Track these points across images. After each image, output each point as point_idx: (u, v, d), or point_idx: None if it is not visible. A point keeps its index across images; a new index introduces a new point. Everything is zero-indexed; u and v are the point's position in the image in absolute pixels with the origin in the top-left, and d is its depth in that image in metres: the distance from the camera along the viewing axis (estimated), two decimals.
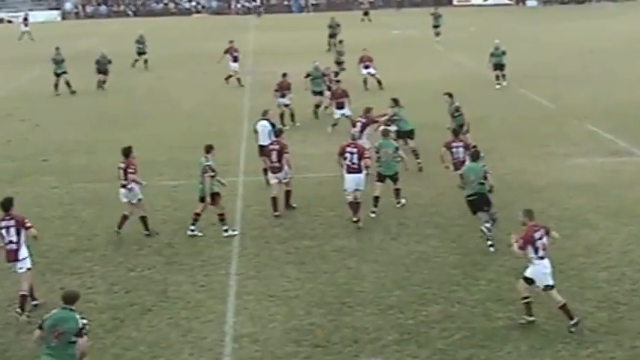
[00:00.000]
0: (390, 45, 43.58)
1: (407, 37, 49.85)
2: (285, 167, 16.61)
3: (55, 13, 78.46)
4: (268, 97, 25.21)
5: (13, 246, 12.26)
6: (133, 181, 15.36)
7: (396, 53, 40.99)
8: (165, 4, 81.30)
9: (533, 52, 40.38)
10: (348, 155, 16.02)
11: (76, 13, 79.31)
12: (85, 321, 9.69)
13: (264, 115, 19.02)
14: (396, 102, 20.36)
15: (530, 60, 37.25)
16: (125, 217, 15.51)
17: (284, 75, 24.91)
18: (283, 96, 24.71)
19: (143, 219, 15.61)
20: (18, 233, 12.28)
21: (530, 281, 11.38)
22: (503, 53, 30.72)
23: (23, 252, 12.33)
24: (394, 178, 16.66)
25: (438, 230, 15.43)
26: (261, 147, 18.18)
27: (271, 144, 17.18)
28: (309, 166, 20.08)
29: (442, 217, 16.10)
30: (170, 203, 17.50)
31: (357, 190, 15.87)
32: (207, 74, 36.30)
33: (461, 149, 16.46)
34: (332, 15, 48.09)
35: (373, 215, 16.13)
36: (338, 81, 26.12)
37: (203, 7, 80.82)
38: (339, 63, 32.48)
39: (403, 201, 16.92)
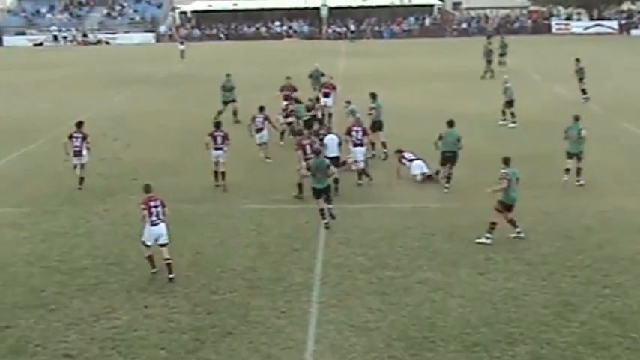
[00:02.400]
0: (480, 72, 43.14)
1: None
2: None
3: (150, 35, 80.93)
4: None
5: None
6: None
7: (490, 81, 40.58)
8: (257, 29, 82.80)
9: (638, 83, 39.28)
10: (354, 133, 20.64)
11: (170, 36, 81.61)
12: None
13: (330, 131, 21.36)
14: (373, 96, 24.59)
15: (634, 91, 36.25)
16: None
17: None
18: (326, 95, 26.88)
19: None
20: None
21: None
22: (508, 89, 29.21)
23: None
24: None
25: (528, 267, 15.10)
26: (330, 159, 19.04)
27: (303, 139, 19.89)
28: (394, 196, 20.03)
29: (532, 254, 15.76)
30: (254, 227, 17.71)
31: (360, 161, 20.54)
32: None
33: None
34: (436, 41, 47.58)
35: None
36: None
37: (294, 31, 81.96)
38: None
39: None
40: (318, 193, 17.66)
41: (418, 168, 21.37)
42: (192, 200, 19.93)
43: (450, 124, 20.49)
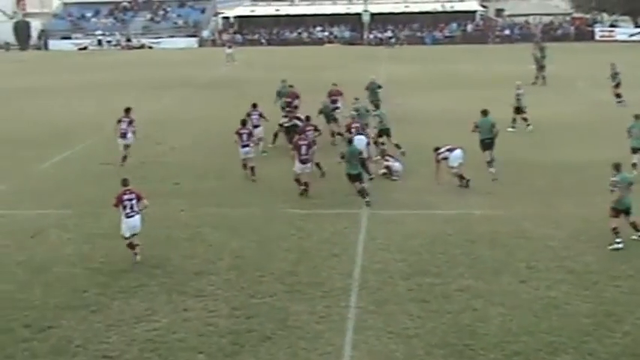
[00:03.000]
0: (529, 79, 42.62)
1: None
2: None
3: (193, 40, 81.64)
4: (398, 128, 25.22)
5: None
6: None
7: (541, 87, 40.23)
8: (299, 34, 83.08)
9: None
10: (353, 130, 22.62)
11: (213, 41, 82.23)
12: None
13: (360, 131, 22.45)
14: (377, 106, 27.72)
15: None
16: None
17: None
18: (334, 102, 27.45)
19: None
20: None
21: None
22: (520, 95, 28.76)
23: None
24: None
25: (571, 276, 14.88)
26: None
27: (300, 139, 21.04)
28: (435, 202, 19.90)
29: (575, 263, 15.53)
30: (295, 232, 17.73)
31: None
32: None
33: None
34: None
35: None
36: None
37: (335, 37, 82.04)
38: None
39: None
40: (353, 178, 19.73)
41: (457, 159, 21.14)
42: (233, 204, 20.03)
43: (485, 112, 22.22)
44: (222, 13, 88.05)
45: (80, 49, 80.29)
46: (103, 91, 43.58)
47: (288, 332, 12.73)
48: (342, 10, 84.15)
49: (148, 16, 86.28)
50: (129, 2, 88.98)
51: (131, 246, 15.91)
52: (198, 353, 12.09)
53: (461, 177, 21.11)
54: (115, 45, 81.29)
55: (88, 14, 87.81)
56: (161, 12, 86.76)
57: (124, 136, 24.33)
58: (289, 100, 28.25)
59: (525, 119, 28.90)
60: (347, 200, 20.05)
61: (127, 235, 15.86)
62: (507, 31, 79.32)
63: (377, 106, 27.61)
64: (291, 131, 24.43)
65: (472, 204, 19.62)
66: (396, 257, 16.01)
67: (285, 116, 26.05)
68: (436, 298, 13.94)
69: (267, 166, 23.76)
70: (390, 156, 23.10)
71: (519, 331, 12.57)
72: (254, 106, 25.76)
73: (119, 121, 24.34)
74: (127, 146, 24.33)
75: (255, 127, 24.76)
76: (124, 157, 24.16)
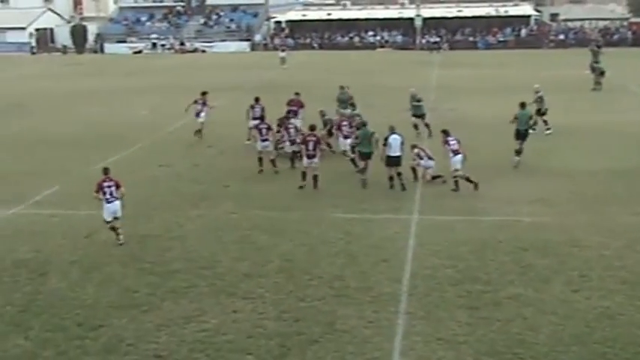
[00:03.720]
0: (583, 84, 41.97)
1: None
2: (318, 155, 21.84)
3: (245, 44, 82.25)
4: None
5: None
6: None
7: (597, 93, 39.63)
8: (351, 38, 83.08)
9: None
10: (344, 128, 24.47)
11: (265, 45, 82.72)
12: None
13: (394, 130, 21.89)
14: (353, 105, 28.75)
15: None
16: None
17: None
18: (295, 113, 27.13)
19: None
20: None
21: None
22: (541, 99, 28.97)
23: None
24: None
25: (625, 286, 14.59)
26: (391, 157, 21.43)
27: (309, 135, 22.01)
28: (486, 208, 19.72)
29: (630, 272, 15.22)
30: (343, 236, 17.73)
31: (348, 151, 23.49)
32: (385, 108, 36.65)
33: None
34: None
35: None
36: None
37: (387, 41, 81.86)
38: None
39: None
40: (363, 156, 22.29)
41: (458, 163, 21.37)
42: (282, 207, 20.11)
43: (523, 105, 24.39)
44: (275, 17, 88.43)
45: (135, 52, 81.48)
46: (158, 94, 44.16)
47: (335, 336, 12.73)
48: (394, 15, 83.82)
49: (201, 20, 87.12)
50: (182, 7, 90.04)
51: (113, 229, 17.31)
52: (247, 355, 12.16)
53: (467, 179, 21.26)
54: (169, 49, 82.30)
55: (143, 18, 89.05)
56: (214, 16, 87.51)
57: (198, 114, 29.10)
58: (295, 108, 27.87)
59: (546, 122, 28.89)
60: (396, 206, 19.99)
61: (109, 219, 17.31)
62: (562, 36, 78.22)
63: (353, 106, 28.83)
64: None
65: (522, 211, 19.38)
66: (445, 263, 15.90)
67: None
68: (486, 306, 13.80)
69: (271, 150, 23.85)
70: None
71: (570, 341, 12.37)
72: (257, 100, 27.49)
73: (195, 102, 29.11)
74: (201, 123, 28.94)
75: (255, 119, 26.24)
76: (199, 131, 28.89)
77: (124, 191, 17.63)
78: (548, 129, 28.67)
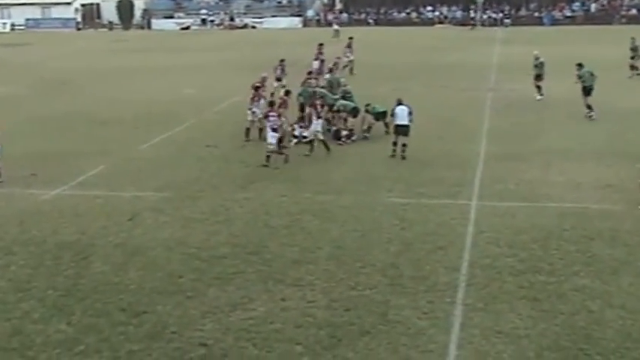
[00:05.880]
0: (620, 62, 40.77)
1: None
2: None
3: (297, 19, 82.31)
4: (509, 116, 24.74)
5: None
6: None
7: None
8: (408, 14, 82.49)
9: None
10: (318, 108, 24.42)
11: (317, 20, 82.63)
12: None
13: (401, 102, 23.69)
14: (331, 69, 31.04)
15: None
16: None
17: None
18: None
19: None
20: None
21: None
22: (542, 64, 32.10)
23: None
24: None
25: None
26: (400, 126, 23.15)
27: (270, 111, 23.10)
28: (550, 194, 19.39)
29: None
30: (398, 222, 17.60)
31: (319, 132, 23.96)
32: (445, 87, 36.34)
33: None
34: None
35: None
36: None
37: (446, 17, 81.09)
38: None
39: None
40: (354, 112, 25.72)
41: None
42: (334, 191, 20.04)
43: (580, 65, 28.74)
44: None
45: (182, 28, 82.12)
46: (205, 72, 44.44)
47: (388, 327, 12.64)
48: None
49: None
50: None
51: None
52: (296, 344, 12.14)
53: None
54: (218, 25, 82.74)
55: None
56: None
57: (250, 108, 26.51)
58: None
59: (539, 87, 31.92)
60: (454, 190, 19.78)
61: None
62: (634, 11, 76.41)
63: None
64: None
65: (589, 197, 19.01)
66: (505, 252, 15.66)
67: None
68: (549, 298, 13.57)
69: (369, 153, 23.73)
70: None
71: None
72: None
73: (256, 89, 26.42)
74: (250, 122, 25.88)
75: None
76: (247, 130, 26.38)
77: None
78: (541, 95, 31.74)
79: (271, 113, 23.04)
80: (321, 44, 38.01)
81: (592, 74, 28.11)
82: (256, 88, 26.22)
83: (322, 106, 24.84)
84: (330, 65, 32.95)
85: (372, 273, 14.79)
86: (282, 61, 34.15)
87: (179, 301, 13.69)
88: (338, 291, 14.02)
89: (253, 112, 25.63)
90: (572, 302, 13.37)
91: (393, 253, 15.73)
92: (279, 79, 32.75)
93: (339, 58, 36.97)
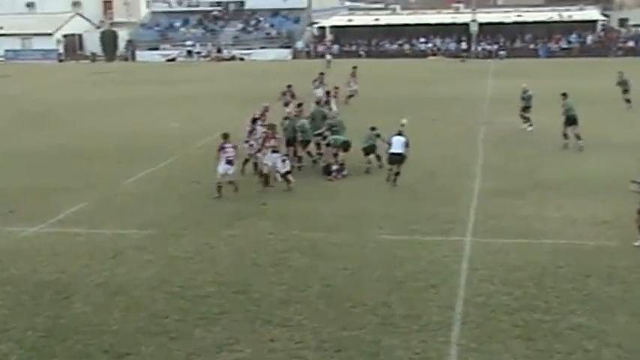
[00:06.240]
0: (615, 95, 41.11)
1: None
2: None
3: (286, 51, 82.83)
4: (503, 149, 24.96)
5: None
6: None
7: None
8: (400, 45, 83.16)
9: None
10: (272, 141, 24.48)
11: (307, 52, 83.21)
12: None
13: (401, 133, 24.56)
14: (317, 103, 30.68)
15: None
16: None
17: None
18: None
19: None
20: None
21: None
22: (529, 97, 33.45)
23: None
24: None
25: None
26: (393, 154, 24.01)
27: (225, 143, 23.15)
28: (545, 230, 19.53)
29: None
30: (389, 259, 17.68)
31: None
32: (438, 121, 36.62)
33: None
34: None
35: None
36: None
37: (439, 49, 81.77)
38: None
39: None
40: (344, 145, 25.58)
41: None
42: (323, 228, 20.12)
43: (565, 95, 29.78)
44: (318, 22, 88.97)
45: (168, 60, 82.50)
46: (191, 105, 44.65)
47: None
48: (448, 20, 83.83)
49: (240, 25, 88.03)
50: (219, 11, 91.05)
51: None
52: None
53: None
54: (205, 56, 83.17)
55: (177, 24, 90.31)
56: (253, 22, 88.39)
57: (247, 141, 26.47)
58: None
59: (528, 119, 33.21)
60: (447, 227, 19.91)
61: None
62: (632, 43, 77.31)
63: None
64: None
65: (586, 234, 19.18)
66: (500, 290, 15.75)
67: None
68: (544, 337, 13.65)
69: (358, 190, 23.87)
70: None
71: None
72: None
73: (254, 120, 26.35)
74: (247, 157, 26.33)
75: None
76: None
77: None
78: (530, 125, 32.94)
79: (227, 145, 23.24)
80: (321, 73, 39.75)
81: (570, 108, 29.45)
82: (254, 121, 26.27)
83: (273, 137, 24.68)
84: (333, 93, 34.40)
85: (362, 312, 14.83)
86: (289, 86, 35.20)
87: (163, 342, 13.69)
88: (328, 331, 14.05)
89: (251, 145, 25.71)
90: (568, 341, 13.45)
91: (385, 292, 15.79)
92: (286, 105, 33.43)
93: (337, 88, 37.36)
